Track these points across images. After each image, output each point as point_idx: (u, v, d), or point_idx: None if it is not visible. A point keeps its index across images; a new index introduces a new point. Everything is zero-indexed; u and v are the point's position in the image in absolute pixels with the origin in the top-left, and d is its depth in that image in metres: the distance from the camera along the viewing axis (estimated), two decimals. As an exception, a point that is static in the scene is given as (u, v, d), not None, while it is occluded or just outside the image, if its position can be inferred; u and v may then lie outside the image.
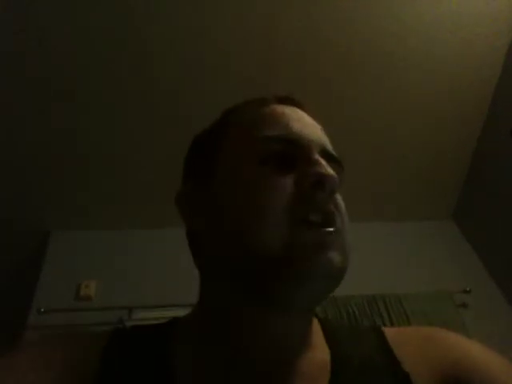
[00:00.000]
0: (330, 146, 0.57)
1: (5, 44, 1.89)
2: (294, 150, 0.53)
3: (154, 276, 2.29)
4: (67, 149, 2.26)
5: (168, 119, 2.20)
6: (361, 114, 2.33)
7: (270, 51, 2.07)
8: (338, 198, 0.52)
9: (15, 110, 2.10)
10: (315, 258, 0.46)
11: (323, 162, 0.51)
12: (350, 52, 2.12)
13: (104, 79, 2.05)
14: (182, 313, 0.60)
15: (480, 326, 2.24)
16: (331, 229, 0.48)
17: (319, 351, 0.53)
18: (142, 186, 2.39)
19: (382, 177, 2.58)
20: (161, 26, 1.94)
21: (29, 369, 0.50)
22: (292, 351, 0.51)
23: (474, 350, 0.55)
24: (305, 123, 0.57)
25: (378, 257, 2.49)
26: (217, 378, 0.50)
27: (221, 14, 1.94)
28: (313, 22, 2.01)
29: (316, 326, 0.57)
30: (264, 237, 0.47)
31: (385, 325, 2.18)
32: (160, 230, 2.49)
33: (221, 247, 0.52)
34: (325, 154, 0.55)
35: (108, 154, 2.30)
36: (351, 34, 2.07)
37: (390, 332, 0.59)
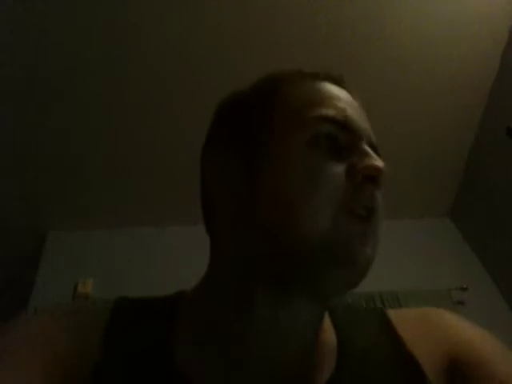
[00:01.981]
0: (374, 138, 0.57)
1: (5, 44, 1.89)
2: (347, 136, 0.51)
3: (152, 275, 2.29)
4: (64, 149, 2.26)
5: (168, 118, 2.20)
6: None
7: (270, 52, 2.07)
8: (380, 193, 0.52)
9: (13, 109, 2.09)
10: (355, 248, 0.47)
11: (374, 154, 0.51)
12: (347, 50, 2.12)
13: (103, 78, 2.05)
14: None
15: (477, 324, 2.25)
16: (372, 224, 0.49)
17: (327, 338, 0.53)
18: (140, 184, 2.39)
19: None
20: (161, 26, 1.94)
21: (27, 346, 0.49)
22: (310, 337, 0.51)
23: (468, 332, 0.56)
24: (357, 110, 0.56)
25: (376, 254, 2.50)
26: (219, 369, 0.49)
27: (221, 14, 1.95)
28: (311, 23, 2.02)
29: (328, 322, 0.56)
30: (313, 223, 0.46)
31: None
32: (158, 229, 2.49)
33: (257, 227, 0.49)
34: (371, 145, 0.54)
35: (105, 154, 2.30)
36: (349, 34, 2.08)
37: (392, 314, 0.59)
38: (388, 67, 2.21)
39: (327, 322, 0.55)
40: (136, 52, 2.00)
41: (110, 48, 1.97)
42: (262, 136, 0.52)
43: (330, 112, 0.51)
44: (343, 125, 0.51)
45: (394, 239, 2.66)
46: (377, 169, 0.49)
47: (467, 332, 0.56)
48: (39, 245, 2.47)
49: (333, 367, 0.50)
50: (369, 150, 0.51)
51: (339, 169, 0.48)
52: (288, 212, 0.47)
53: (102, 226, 2.52)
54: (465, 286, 2.36)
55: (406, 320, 0.58)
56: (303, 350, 0.50)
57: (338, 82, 0.59)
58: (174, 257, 2.36)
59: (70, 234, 2.50)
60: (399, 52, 2.16)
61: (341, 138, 0.51)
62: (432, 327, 0.56)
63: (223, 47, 2.04)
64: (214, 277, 0.54)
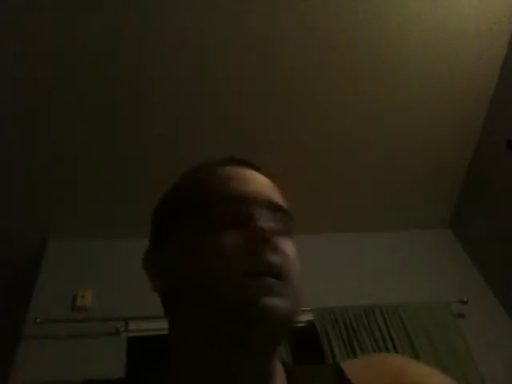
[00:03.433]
0: (276, 199, 0.60)
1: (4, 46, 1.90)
2: (232, 207, 0.56)
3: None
4: (66, 157, 2.26)
5: (170, 130, 2.21)
6: (360, 124, 2.34)
7: (269, 56, 2.08)
8: (284, 246, 0.55)
9: (13, 114, 2.10)
10: (258, 305, 0.49)
11: (263, 215, 0.55)
12: (347, 60, 2.14)
13: (103, 80, 2.06)
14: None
15: (478, 336, 2.24)
16: (272, 278, 0.51)
17: None
18: (141, 195, 2.37)
19: (380, 187, 2.58)
20: (161, 26, 1.96)
21: None
22: None
23: (416, 371, 0.60)
24: (248, 180, 0.61)
25: (376, 266, 2.49)
26: None
27: (218, 15, 1.97)
28: (310, 24, 2.04)
29: (280, 370, 0.61)
30: (217, 291, 0.51)
31: (382, 335, 2.18)
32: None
33: (183, 302, 0.56)
34: (269, 206, 0.58)
35: (107, 164, 2.30)
36: (348, 41, 2.09)
37: (347, 366, 0.63)
38: (387, 78, 2.22)
39: (283, 380, 0.59)
40: (136, 55, 2.01)
41: (109, 49, 1.98)
42: (168, 229, 0.61)
43: (214, 192, 0.58)
44: (225, 198, 0.57)
45: (394, 251, 2.65)
46: (250, 229, 0.53)
47: (415, 371, 0.60)
48: (38, 255, 2.46)
49: None
50: (254, 213, 0.55)
51: (227, 239, 0.53)
52: (196, 287, 0.54)
53: (102, 236, 2.50)
54: (465, 300, 2.34)
55: (357, 368, 0.62)
56: None
57: (239, 164, 0.64)
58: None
59: (70, 244, 2.49)
60: (400, 61, 2.18)
61: (226, 210, 0.56)
62: (382, 372, 0.60)
63: (222, 52, 2.06)
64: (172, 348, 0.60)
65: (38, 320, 2.04)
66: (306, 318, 2.24)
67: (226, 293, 0.51)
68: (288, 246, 0.56)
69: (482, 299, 2.46)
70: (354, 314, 2.23)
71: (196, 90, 2.13)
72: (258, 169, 0.66)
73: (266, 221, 0.55)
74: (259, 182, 0.62)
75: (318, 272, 2.28)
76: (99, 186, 2.37)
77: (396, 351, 2.10)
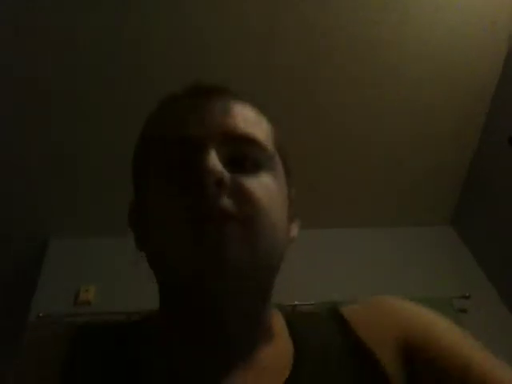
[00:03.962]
0: (240, 126, 0.51)
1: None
2: (182, 150, 0.50)
3: (155, 282, 2.28)
4: (67, 155, 2.26)
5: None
6: (360, 122, 2.34)
7: (269, 56, 2.08)
8: (250, 186, 0.48)
9: (13, 111, 2.11)
10: (212, 257, 0.44)
11: (210, 153, 0.47)
12: (346, 56, 2.13)
13: (103, 79, 2.07)
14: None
15: (479, 332, 2.22)
16: (228, 225, 0.45)
17: (282, 343, 0.54)
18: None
19: (381, 183, 2.59)
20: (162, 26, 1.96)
21: None
22: (248, 345, 0.52)
23: (418, 314, 0.58)
24: (202, 114, 0.52)
25: (377, 262, 2.49)
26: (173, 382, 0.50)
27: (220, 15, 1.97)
28: (310, 24, 2.03)
29: (278, 319, 0.58)
30: (169, 249, 0.47)
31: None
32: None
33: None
34: (230, 140, 0.50)
35: (108, 160, 2.29)
36: (348, 39, 2.09)
37: (345, 310, 0.60)
38: (387, 75, 2.22)
39: (283, 332, 0.56)
40: (136, 55, 2.02)
41: (109, 49, 1.99)
42: (138, 179, 0.58)
43: (156, 134, 0.53)
44: (172, 141, 0.51)
45: (396, 247, 2.65)
46: (197, 172, 0.46)
47: (417, 314, 0.58)
48: (41, 250, 2.47)
49: (289, 369, 0.51)
50: (204, 153, 0.47)
51: (175, 188, 0.48)
52: (151, 244, 0.51)
53: (104, 232, 2.51)
54: (467, 295, 2.35)
55: (358, 313, 0.59)
56: (244, 361, 0.51)
57: (195, 93, 0.56)
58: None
59: (72, 240, 2.50)
60: (400, 59, 2.18)
61: (175, 155, 0.50)
62: (383, 315, 0.57)
63: (222, 52, 2.06)
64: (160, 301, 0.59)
65: (41, 315, 2.06)
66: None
67: (173, 256, 0.46)
68: (259, 185, 0.49)
69: (483, 294, 2.46)
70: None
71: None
72: (230, 96, 0.55)
73: (222, 159, 0.47)
74: (219, 114, 0.52)
75: (319, 267, 2.29)
76: (101, 182, 2.37)
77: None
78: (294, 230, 0.60)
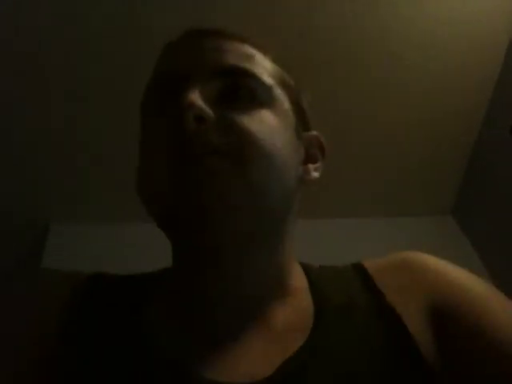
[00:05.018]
0: (230, 59, 0.49)
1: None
2: (169, 86, 0.49)
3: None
4: (67, 138, 2.25)
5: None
6: (360, 112, 2.33)
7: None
8: (240, 121, 0.45)
9: (14, 98, 2.08)
10: (198, 194, 0.42)
11: (191, 88, 0.45)
12: (347, 46, 2.12)
13: (103, 71, 2.05)
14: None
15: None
16: (216, 160, 0.42)
17: (302, 298, 0.52)
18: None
19: (381, 173, 2.58)
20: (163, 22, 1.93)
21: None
22: (260, 302, 0.49)
23: (451, 273, 0.54)
24: (190, 50, 0.51)
25: (377, 253, 2.47)
26: (184, 342, 0.48)
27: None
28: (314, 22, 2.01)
29: (299, 273, 0.55)
30: (154, 185, 0.46)
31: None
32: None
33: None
34: (218, 71, 0.48)
35: (110, 143, 2.27)
36: (351, 32, 2.07)
37: (370, 265, 0.58)
38: (387, 63, 2.20)
39: (304, 286, 0.54)
40: (136, 55, 1.98)
41: (109, 49, 1.97)
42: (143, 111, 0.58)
43: (154, 72, 0.53)
44: (159, 76, 0.52)
45: (395, 237, 2.64)
46: (181, 106, 0.43)
47: (450, 273, 0.54)
48: (41, 240, 2.47)
49: (310, 327, 0.48)
50: (189, 85, 0.46)
51: (162, 121, 0.47)
52: (140, 182, 0.50)
53: (106, 220, 2.51)
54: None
55: (384, 271, 0.56)
56: (262, 315, 0.48)
57: (200, 33, 0.54)
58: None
59: (73, 228, 2.50)
60: (400, 48, 2.15)
61: (162, 90, 0.50)
62: (411, 274, 0.54)
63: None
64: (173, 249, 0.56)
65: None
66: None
67: (165, 182, 0.44)
68: (252, 119, 0.45)
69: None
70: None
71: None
72: (229, 35, 0.53)
73: (210, 94, 0.45)
74: (210, 50, 0.50)
75: (318, 257, 2.28)
76: (105, 166, 2.35)
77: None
78: (313, 172, 0.57)
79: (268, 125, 0.46)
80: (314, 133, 0.63)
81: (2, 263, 2.57)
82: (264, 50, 0.56)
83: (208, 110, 0.44)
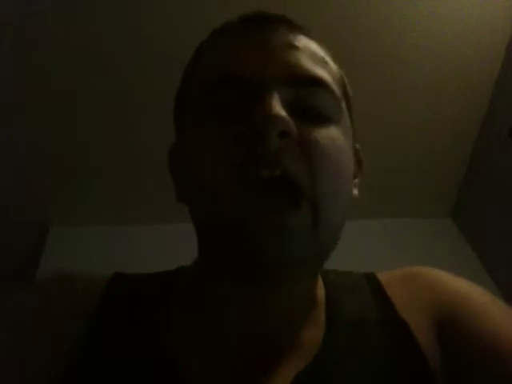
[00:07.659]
0: (305, 63, 0.42)
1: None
2: (238, 93, 0.41)
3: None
4: (67, 139, 2.25)
5: (170, 116, 2.19)
6: (359, 113, 2.32)
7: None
8: (317, 141, 0.39)
9: (13, 98, 2.08)
10: (266, 219, 0.37)
11: (273, 97, 0.38)
12: (348, 45, 2.12)
13: (103, 72, 2.05)
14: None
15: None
16: (284, 192, 0.38)
17: (319, 309, 0.50)
18: (147, 180, 2.37)
19: (381, 174, 2.58)
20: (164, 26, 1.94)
21: (29, 313, 0.48)
22: (290, 326, 0.47)
23: (457, 286, 0.54)
24: (265, 51, 0.43)
25: (377, 254, 2.49)
26: (210, 353, 0.46)
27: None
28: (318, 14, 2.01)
29: (320, 282, 0.53)
30: (210, 202, 0.40)
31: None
32: (166, 225, 2.46)
33: (191, 213, 0.46)
34: (295, 80, 0.41)
35: (109, 146, 2.27)
36: (350, 31, 2.07)
37: (383, 278, 0.56)
38: (388, 63, 2.20)
39: (321, 293, 0.52)
40: (135, 55, 1.99)
41: (108, 49, 1.97)
42: (182, 116, 0.52)
43: (208, 76, 0.44)
44: (227, 82, 0.42)
45: (395, 239, 2.65)
46: (261, 117, 0.36)
47: (455, 286, 0.54)
48: (40, 242, 2.46)
49: (321, 337, 0.47)
50: (267, 95, 0.38)
51: (229, 132, 0.39)
52: (191, 195, 0.44)
53: (106, 222, 2.51)
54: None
55: (394, 282, 0.54)
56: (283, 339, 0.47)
57: (253, 22, 0.47)
58: (183, 255, 2.33)
59: (73, 230, 2.49)
60: (399, 48, 2.16)
61: (228, 98, 0.42)
62: (420, 287, 0.53)
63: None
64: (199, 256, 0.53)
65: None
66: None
67: (227, 201, 0.38)
68: (325, 139, 0.39)
69: (482, 287, 2.46)
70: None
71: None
72: (295, 28, 0.46)
73: (284, 105, 0.38)
74: (281, 48, 0.42)
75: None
76: (104, 169, 2.35)
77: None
78: (356, 189, 0.53)
79: (339, 148, 0.42)
80: (357, 146, 0.56)
81: (2, 265, 2.57)
82: (326, 46, 0.50)
83: (293, 125, 0.38)
